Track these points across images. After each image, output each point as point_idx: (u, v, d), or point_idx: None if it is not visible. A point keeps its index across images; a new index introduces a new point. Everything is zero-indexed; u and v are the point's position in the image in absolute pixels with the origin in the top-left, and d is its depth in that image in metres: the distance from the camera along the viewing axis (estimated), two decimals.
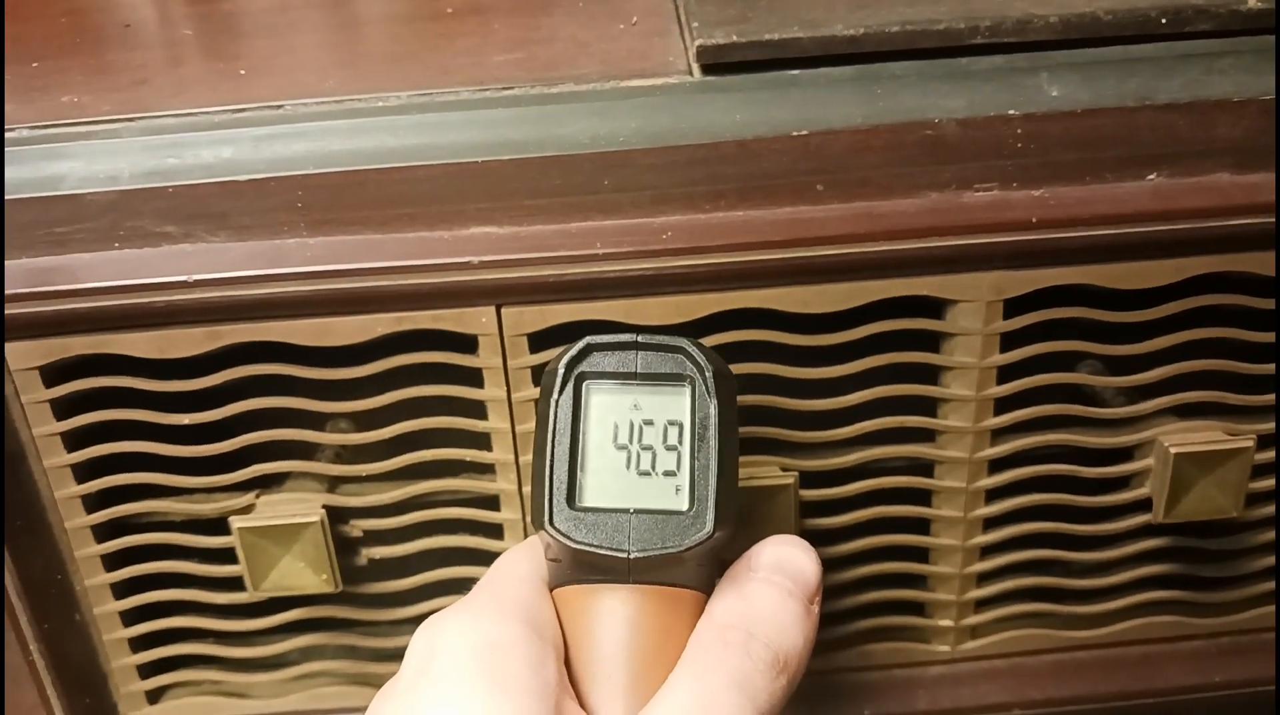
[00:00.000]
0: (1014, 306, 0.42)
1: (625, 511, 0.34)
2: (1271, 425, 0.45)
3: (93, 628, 0.47)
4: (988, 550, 0.47)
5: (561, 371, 0.35)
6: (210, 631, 0.47)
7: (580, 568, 0.34)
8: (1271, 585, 0.49)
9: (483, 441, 0.44)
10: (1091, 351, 0.43)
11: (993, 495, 0.46)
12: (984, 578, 0.48)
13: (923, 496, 0.46)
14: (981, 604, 0.49)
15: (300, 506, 0.44)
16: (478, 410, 0.43)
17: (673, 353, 0.35)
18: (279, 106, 0.40)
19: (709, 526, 0.33)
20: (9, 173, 0.39)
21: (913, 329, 0.42)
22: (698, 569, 0.34)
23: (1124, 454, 0.46)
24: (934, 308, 0.42)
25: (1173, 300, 0.42)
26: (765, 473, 0.43)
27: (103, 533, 0.45)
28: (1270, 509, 0.47)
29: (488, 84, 0.40)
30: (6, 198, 0.39)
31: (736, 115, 0.39)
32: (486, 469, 0.44)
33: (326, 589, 0.44)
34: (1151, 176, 0.40)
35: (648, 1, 0.45)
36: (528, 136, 0.39)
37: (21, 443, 0.42)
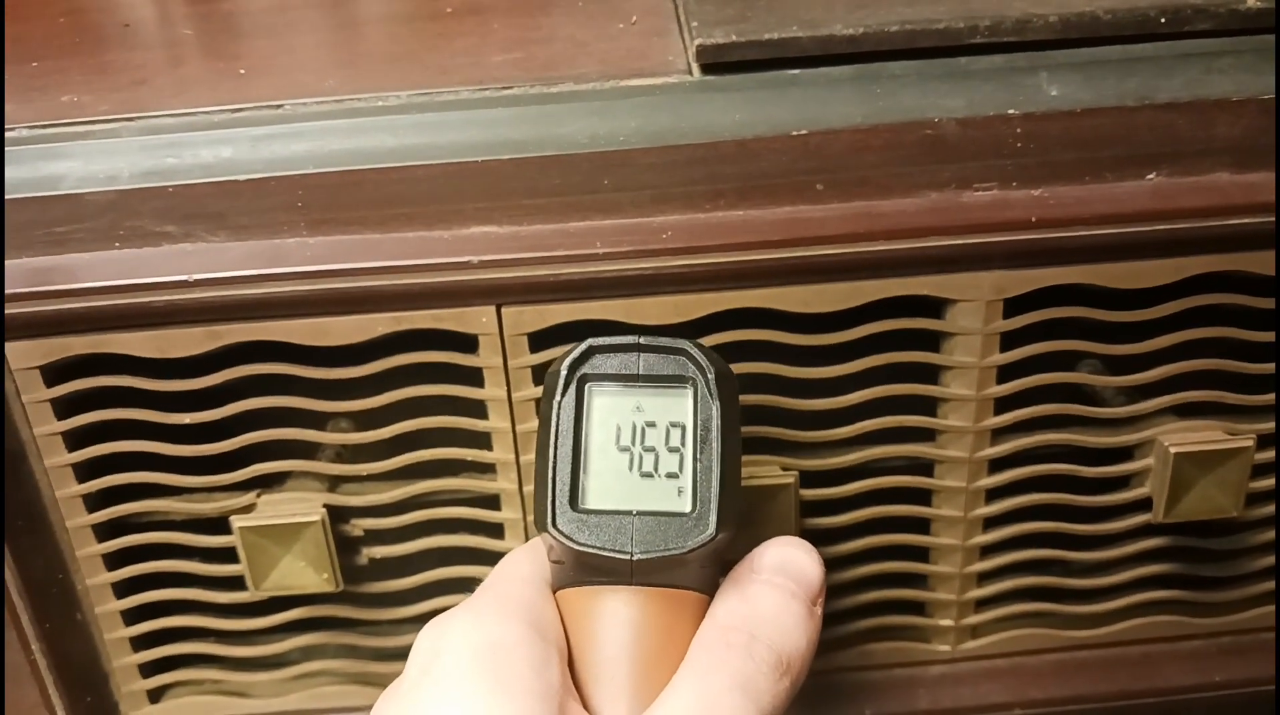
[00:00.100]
0: (1014, 306, 0.42)
1: (628, 513, 0.33)
2: (1271, 425, 0.45)
3: (94, 627, 0.47)
4: (988, 550, 0.47)
5: (564, 373, 0.35)
6: (211, 631, 0.48)
7: (583, 569, 0.34)
8: (1271, 585, 0.49)
9: (483, 441, 0.44)
10: (1091, 351, 0.43)
11: (993, 495, 0.46)
12: (984, 577, 0.48)
13: (923, 496, 0.46)
14: (982, 603, 0.49)
15: (301, 506, 0.44)
16: (478, 410, 0.43)
17: (675, 354, 0.35)
18: (278, 106, 0.40)
19: (711, 528, 0.33)
20: (8, 172, 0.39)
21: (912, 328, 0.42)
22: (700, 571, 0.34)
23: (1124, 453, 0.46)
24: (934, 307, 0.42)
25: (1172, 300, 0.42)
26: (765, 472, 0.44)
27: (104, 532, 0.45)
28: (1270, 509, 0.47)
29: (487, 84, 0.40)
30: (6, 197, 0.39)
31: (736, 115, 0.39)
32: (487, 468, 0.44)
33: (327, 588, 0.44)
34: (1151, 176, 0.40)
35: (647, 1, 0.45)
36: (527, 136, 0.39)
37: (22, 442, 0.42)
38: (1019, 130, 0.39)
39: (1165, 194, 0.40)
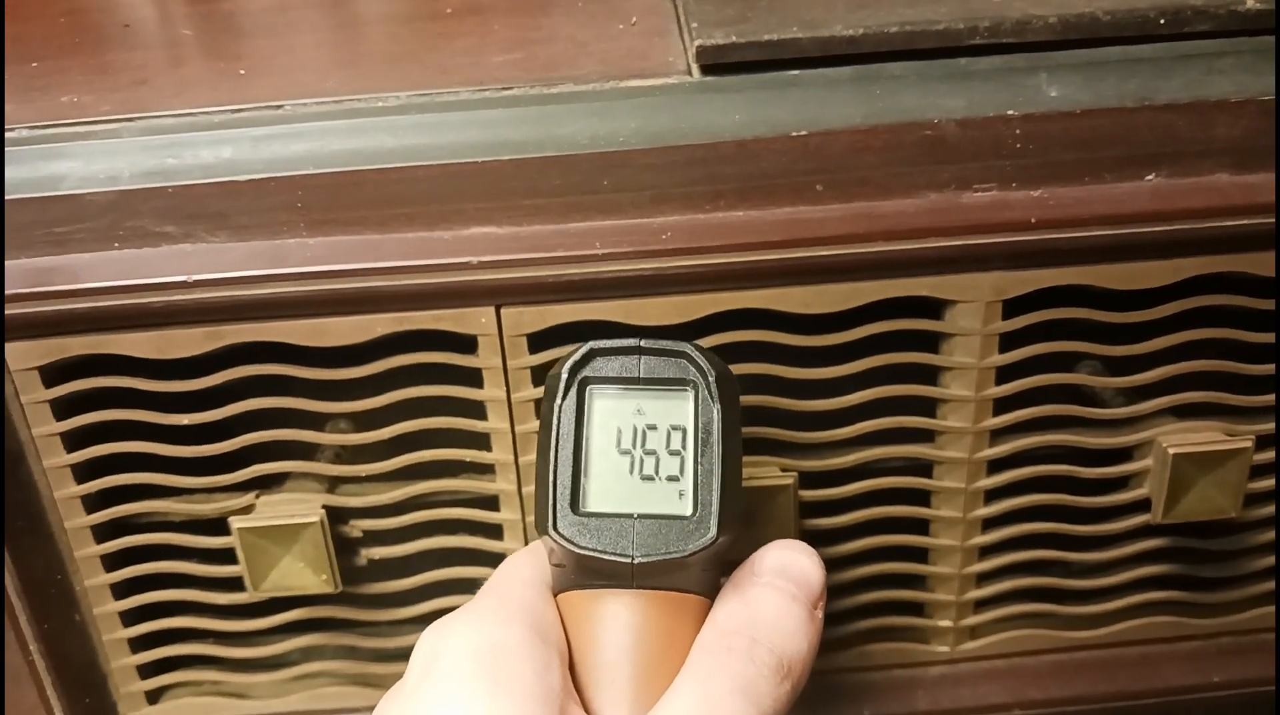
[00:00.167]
0: (1013, 307, 0.42)
1: (629, 516, 0.33)
2: (1271, 425, 0.45)
3: (92, 628, 0.47)
4: (987, 550, 0.47)
5: (565, 376, 0.35)
6: (210, 632, 0.47)
7: (584, 573, 0.34)
8: (1271, 585, 0.49)
9: (482, 442, 0.44)
10: (1090, 352, 0.43)
11: (992, 496, 0.46)
12: (983, 578, 0.48)
13: (922, 497, 0.46)
14: (981, 604, 0.49)
15: (300, 507, 0.44)
16: (477, 410, 0.43)
17: (676, 357, 0.35)
18: (279, 106, 0.40)
19: (712, 531, 0.33)
20: (9, 173, 0.39)
21: (912, 329, 0.42)
22: (701, 574, 0.34)
23: (1123, 454, 0.46)
24: (933, 308, 0.42)
25: (1172, 301, 0.42)
26: (765, 473, 0.44)
27: (103, 533, 0.45)
28: (1269, 509, 0.47)
29: (487, 84, 0.40)
30: (6, 198, 0.39)
31: (736, 115, 0.39)
32: (486, 469, 0.44)
33: (326, 589, 0.44)
34: (1150, 177, 0.40)
35: (647, 1, 0.45)
36: (527, 136, 0.39)
37: (21, 443, 0.42)
38: (1018, 131, 0.39)
39: (1165, 195, 0.40)
